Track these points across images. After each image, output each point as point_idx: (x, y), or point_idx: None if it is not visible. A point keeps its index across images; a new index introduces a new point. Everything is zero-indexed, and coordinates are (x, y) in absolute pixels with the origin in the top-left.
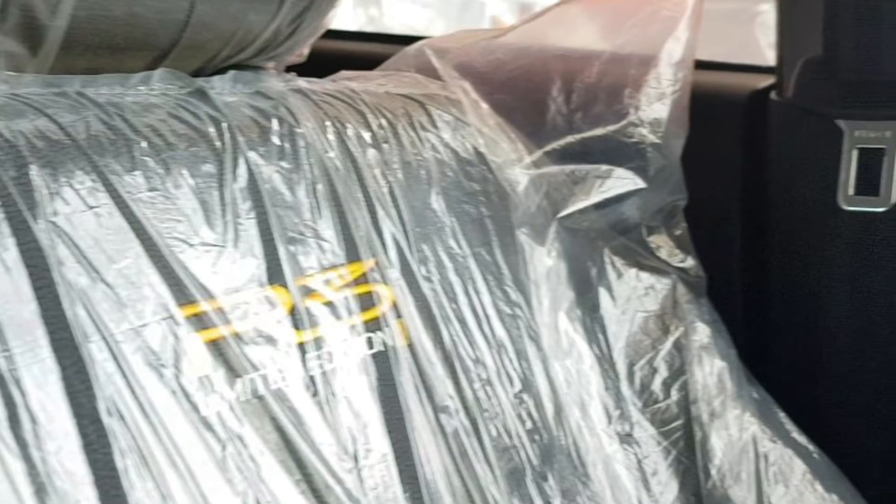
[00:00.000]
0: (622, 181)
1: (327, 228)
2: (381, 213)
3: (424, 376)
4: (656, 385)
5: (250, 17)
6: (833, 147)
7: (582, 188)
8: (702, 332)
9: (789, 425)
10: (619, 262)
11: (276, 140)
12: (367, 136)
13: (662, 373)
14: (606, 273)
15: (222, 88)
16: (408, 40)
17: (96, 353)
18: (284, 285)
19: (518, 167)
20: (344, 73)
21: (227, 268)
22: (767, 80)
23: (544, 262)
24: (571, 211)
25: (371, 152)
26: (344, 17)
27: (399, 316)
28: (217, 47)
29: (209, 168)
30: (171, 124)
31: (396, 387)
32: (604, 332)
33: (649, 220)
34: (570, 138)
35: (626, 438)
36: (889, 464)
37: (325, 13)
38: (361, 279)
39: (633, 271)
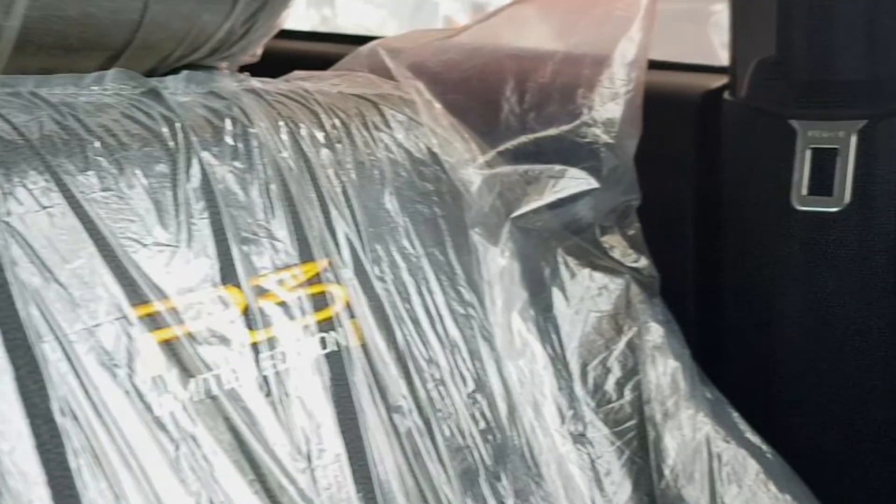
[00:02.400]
0: (575, 181)
1: (280, 228)
2: (334, 213)
3: (378, 376)
4: (610, 385)
5: (204, 17)
6: (786, 147)
7: (535, 188)
8: (655, 332)
9: (743, 425)
10: (572, 262)
11: (229, 140)
12: (320, 136)
13: (616, 373)
14: (560, 273)
15: (176, 88)
16: (361, 40)
17: (49, 353)
18: (238, 285)
19: (471, 167)
20: (297, 73)
21: (180, 268)
22: (721, 80)
23: (497, 262)
24: (525, 211)
25: (324, 152)
26: (297, 18)
27: (352, 316)
28: (170, 47)
29: (162, 168)
30: (125, 124)
31: (350, 387)
32: (557, 333)
33: (603, 220)
34: (523, 138)
35: (580, 438)
36: (842, 463)
37: (278, 13)
38: (315, 279)
39: (586, 271)
